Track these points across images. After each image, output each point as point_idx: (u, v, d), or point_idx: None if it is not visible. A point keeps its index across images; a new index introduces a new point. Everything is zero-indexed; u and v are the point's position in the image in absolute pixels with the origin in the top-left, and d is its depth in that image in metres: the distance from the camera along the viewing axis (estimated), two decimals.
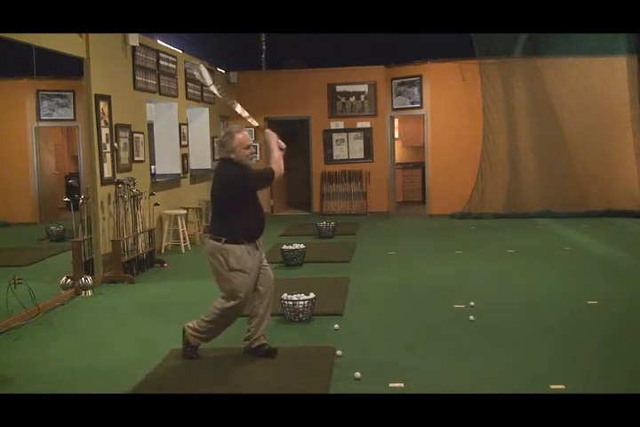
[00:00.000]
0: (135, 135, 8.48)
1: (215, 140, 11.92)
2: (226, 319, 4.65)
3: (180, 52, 10.30)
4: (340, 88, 13.31)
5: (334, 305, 6.04)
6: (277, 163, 4.59)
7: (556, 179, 12.00)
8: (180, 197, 10.03)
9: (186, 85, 10.52)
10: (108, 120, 7.58)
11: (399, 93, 13.04)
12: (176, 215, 9.24)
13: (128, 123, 8.22)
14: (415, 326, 5.46)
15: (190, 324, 4.69)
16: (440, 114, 12.50)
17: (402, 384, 4.15)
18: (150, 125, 9.80)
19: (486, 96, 12.05)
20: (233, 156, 4.52)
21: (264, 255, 4.77)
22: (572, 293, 6.42)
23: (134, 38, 8.25)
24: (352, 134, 13.40)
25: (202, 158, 11.42)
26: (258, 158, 4.79)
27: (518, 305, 6.02)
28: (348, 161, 13.44)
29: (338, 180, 13.42)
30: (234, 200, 4.55)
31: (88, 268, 7.11)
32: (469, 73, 12.11)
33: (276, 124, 13.81)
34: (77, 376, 4.46)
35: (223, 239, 4.51)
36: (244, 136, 4.53)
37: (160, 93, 9.41)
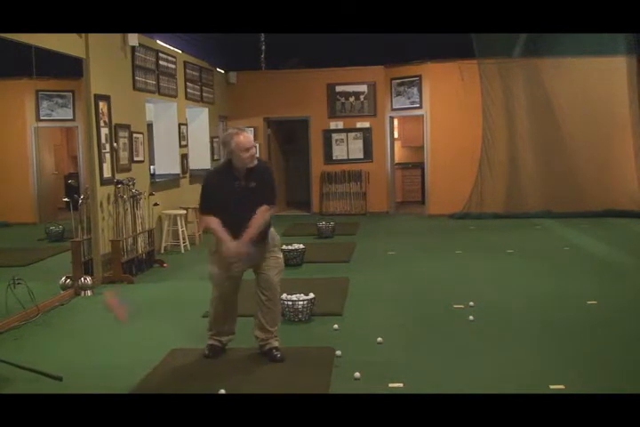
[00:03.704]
0: (135, 135, 8.48)
1: (215, 140, 11.95)
2: (212, 311, 4.79)
3: (180, 52, 10.30)
4: (339, 88, 13.31)
5: (334, 305, 6.03)
6: (212, 228, 4.51)
7: (555, 179, 11.99)
8: (180, 198, 10.02)
9: (185, 85, 10.52)
10: (107, 120, 7.58)
11: (398, 93, 13.04)
12: (175, 215, 9.24)
13: (127, 123, 8.22)
14: (414, 326, 5.46)
15: None
16: (439, 114, 12.49)
17: (401, 384, 4.15)
18: (150, 125, 9.79)
19: (486, 96, 12.05)
20: (231, 157, 4.49)
21: (266, 258, 4.66)
22: (572, 293, 6.42)
23: (134, 38, 8.24)
24: (351, 134, 13.40)
25: (201, 158, 11.41)
26: (256, 162, 4.63)
27: (518, 305, 6.02)
28: (348, 161, 13.43)
29: (337, 180, 13.42)
30: None
31: (87, 268, 7.11)
32: (469, 73, 12.11)
33: (275, 124, 13.85)
34: (77, 376, 4.45)
35: None
36: (244, 138, 4.41)
37: (159, 93, 9.41)
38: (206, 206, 4.58)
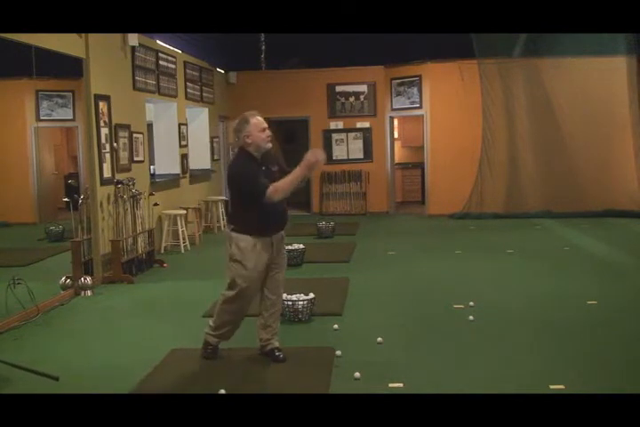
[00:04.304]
0: (135, 135, 8.48)
1: (215, 140, 11.94)
2: (230, 311, 4.60)
3: (180, 52, 10.30)
4: (339, 88, 13.32)
5: (334, 305, 6.03)
6: (283, 185, 4.31)
7: (555, 179, 12.00)
8: (180, 198, 10.02)
9: (185, 85, 10.52)
10: (107, 120, 7.58)
11: (398, 93, 13.05)
12: (175, 215, 9.24)
13: (127, 123, 8.22)
14: (414, 327, 5.46)
15: (209, 322, 4.75)
16: (439, 114, 12.50)
17: (401, 384, 4.15)
18: (150, 125, 9.79)
19: (486, 96, 12.05)
20: (249, 141, 4.44)
21: (282, 254, 4.67)
22: (572, 293, 6.42)
23: (134, 38, 8.24)
24: (351, 134, 13.41)
25: (201, 158, 11.41)
26: (270, 145, 4.63)
27: (518, 305, 6.02)
28: (348, 161, 13.44)
29: (337, 180, 13.42)
30: (235, 194, 4.61)
31: (87, 268, 7.11)
32: (469, 73, 12.11)
33: (275, 125, 13.84)
34: (77, 376, 4.45)
35: (232, 227, 4.56)
36: (258, 120, 4.48)
37: (159, 93, 9.41)
38: (263, 186, 4.32)
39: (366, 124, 13.37)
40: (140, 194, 8.12)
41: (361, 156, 13.43)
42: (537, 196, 12.07)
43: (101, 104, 7.44)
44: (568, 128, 11.99)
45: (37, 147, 8.10)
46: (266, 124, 4.52)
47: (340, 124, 13.41)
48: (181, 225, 9.21)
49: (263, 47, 13.44)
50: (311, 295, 5.64)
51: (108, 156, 7.58)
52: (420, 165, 13.93)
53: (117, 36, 8.03)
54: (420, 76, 12.66)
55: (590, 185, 11.88)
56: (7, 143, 8.05)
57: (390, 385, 4.14)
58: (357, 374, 4.28)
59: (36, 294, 5.95)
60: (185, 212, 9.48)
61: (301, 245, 8.11)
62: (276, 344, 4.68)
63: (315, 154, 4.29)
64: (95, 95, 7.31)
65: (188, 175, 10.57)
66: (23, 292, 5.83)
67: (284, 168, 4.63)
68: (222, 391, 4.02)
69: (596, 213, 11.73)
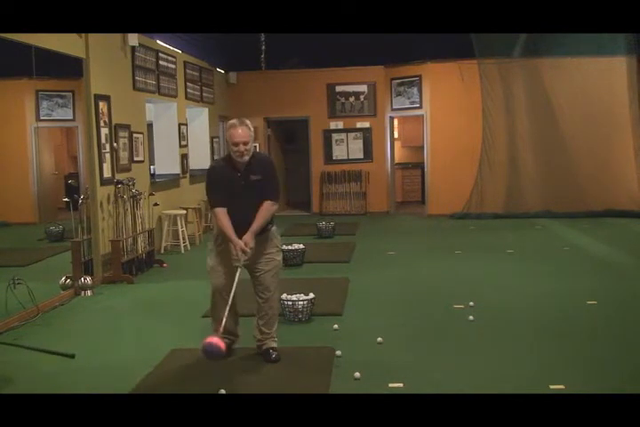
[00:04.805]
0: (135, 135, 8.48)
1: (215, 140, 11.94)
2: (211, 303, 4.78)
3: (180, 52, 10.30)
4: (339, 88, 13.32)
5: (334, 305, 6.03)
6: (219, 222, 4.50)
7: (555, 179, 12.00)
8: (180, 198, 10.02)
9: (185, 85, 10.52)
10: (107, 120, 7.58)
11: (398, 93, 13.05)
12: (175, 215, 9.24)
13: (127, 123, 8.23)
14: (414, 327, 5.46)
15: None
16: (439, 114, 12.50)
17: (401, 384, 4.15)
18: (150, 125, 9.79)
19: (486, 96, 12.05)
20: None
21: (263, 256, 4.65)
22: (572, 293, 6.42)
23: (134, 38, 8.25)
24: (351, 134, 13.41)
25: (201, 158, 11.41)
26: (247, 159, 4.60)
27: (518, 305, 6.03)
28: (348, 161, 13.44)
29: (337, 180, 13.43)
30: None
31: (87, 268, 7.11)
32: (469, 73, 12.11)
33: (275, 125, 13.85)
34: (77, 376, 4.45)
35: None
36: (233, 132, 4.40)
37: (159, 93, 9.41)
38: (215, 201, 4.53)
39: (366, 124, 13.37)
40: (140, 194, 8.13)
41: (361, 156, 13.43)
42: (537, 196, 12.07)
43: (101, 104, 7.44)
44: (568, 128, 11.99)
45: (37, 147, 8.09)
46: (240, 139, 4.38)
47: (339, 124, 13.41)
48: (181, 225, 9.21)
49: (263, 47, 13.42)
50: (311, 295, 5.64)
51: (107, 156, 7.59)
52: (419, 165, 13.93)
53: (117, 36, 8.03)
54: (420, 76, 12.66)
55: (590, 185, 11.88)
56: (7, 143, 8.04)
57: (390, 385, 4.14)
58: (357, 374, 4.28)
59: (36, 294, 5.96)
60: (185, 212, 9.48)
61: (301, 245, 8.11)
62: (272, 344, 4.67)
63: (244, 251, 4.41)
64: (95, 95, 7.31)
65: (188, 175, 10.57)
66: (23, 292, 5.83)
67: (269, 178, 4.58)
68: (222, 391, 4.02)
69: (596, 213, 11.74)
